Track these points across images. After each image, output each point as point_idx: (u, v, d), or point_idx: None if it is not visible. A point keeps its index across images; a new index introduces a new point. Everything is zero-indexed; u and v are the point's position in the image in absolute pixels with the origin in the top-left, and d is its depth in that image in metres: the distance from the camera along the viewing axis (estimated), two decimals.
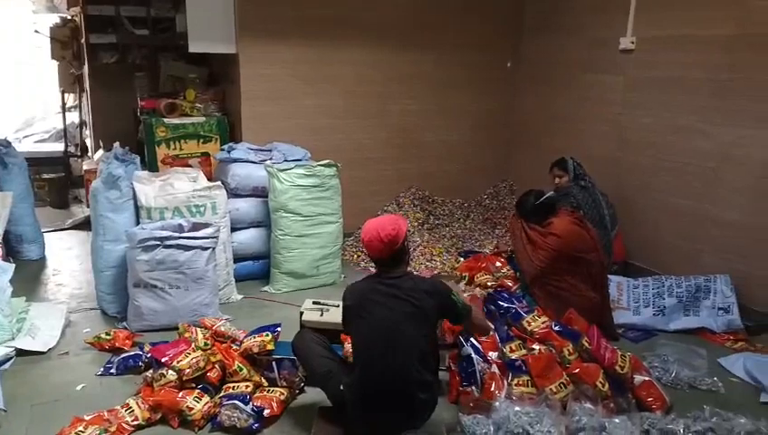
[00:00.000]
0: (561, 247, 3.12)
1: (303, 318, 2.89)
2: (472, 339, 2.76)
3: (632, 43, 4.04)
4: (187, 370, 2.56)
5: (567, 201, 3.87)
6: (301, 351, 2.50)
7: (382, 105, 4.71)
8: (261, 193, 3.86)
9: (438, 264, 4.22)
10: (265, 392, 2.57)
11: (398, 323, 2.18)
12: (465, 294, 3.29)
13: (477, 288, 3.38)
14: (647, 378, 2.66)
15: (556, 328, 2.70)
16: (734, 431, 2.35)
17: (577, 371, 2.53)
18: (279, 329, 2.75)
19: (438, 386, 2.43)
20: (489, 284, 3.43)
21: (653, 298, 3.42)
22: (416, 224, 4.63)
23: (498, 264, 3.52)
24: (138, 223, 3.40)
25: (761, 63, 3.29)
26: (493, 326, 2.65)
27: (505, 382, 2.53)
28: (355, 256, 4.40)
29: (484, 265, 3.66)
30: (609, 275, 3.61)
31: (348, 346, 2.63)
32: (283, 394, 2.57)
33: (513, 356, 2.61)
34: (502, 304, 2.87)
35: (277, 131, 4.30)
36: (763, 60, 3.28)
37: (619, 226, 3.98)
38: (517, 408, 2.17)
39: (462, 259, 3.72)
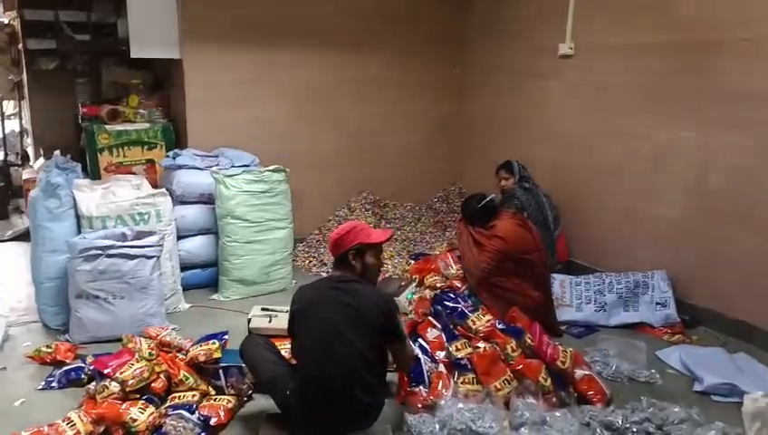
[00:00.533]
0: (505, 249, 3.20)
1: (251, 325, 2.87)
2: (420, 340, 2.82)
3: (570, 49, 4.19)
4: (131, 381, 2.51)
5: (512, 203, 3.99)
6: (248, 356, 2.49)
7: (332, 110, 4.72)
8: (208, 200, 3.81)
9: (390, 266, 4.25)
10: (212, 401, 2.55)
11: (339, 327, 2.19)
12: (416, 296, 3.36)
13: (427, 290, 3.43)
14: (587, 372, 2.75)
15: (500, 326, 2.77)
16: (669, 420, 2.45)
17: (520, 367, 2.60)
18: (226, 337, 2.73)
19: (385, 389, 2.45)
20: (438, 285, 3.49)
21: (594, 295, 3.54)
22: None
23: (450, 261, 3.59)
24: (79, 233, 3.31)
25: (689, 68, 3.46)
26: (412, 367, 2.57)
27: (452, 381, 2.58)
28: (307, 261, 4.39)
29: (433, 266, 3.73)
30: (553, 274, 3.74)
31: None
32: (230, 402, 2.55)
33: (459, 355, 2.66)
34: (448, 303, 2.93)
35: (225, 137, 4.26)
36: (691, 65, 3.45)
37: (561, 226, 4.11)
38: (460, 405, 2.22)
39: (412, 262, 3.77)
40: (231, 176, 3.70)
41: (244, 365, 2.57)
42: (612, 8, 3.89)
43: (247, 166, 3.89)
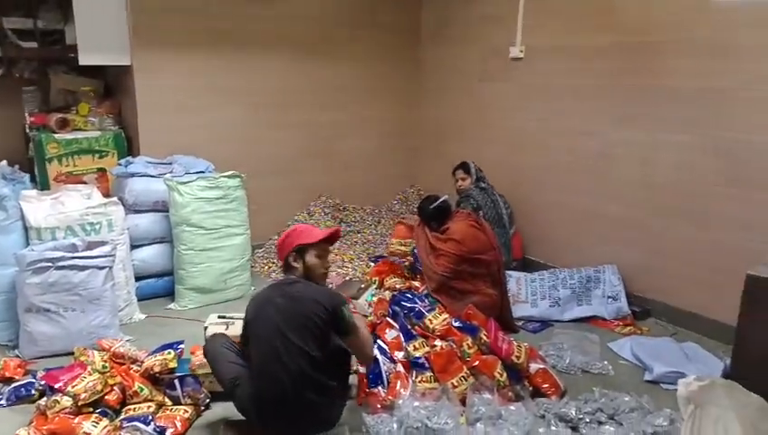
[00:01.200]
0: (461, 252, 3.25)
1: (208, 333, 2.84)
2: (379, 341, 2.84)
3: (521, 51, 4.28)
4: (84, 394, 2.46)
5: (468, 203, 4.05)
6: (210, 355, 2.48)
7: (289, 115, 4.71)
8: (162, 208, 3.75)
9: (350, 269, 4.26)
10: (168, 411, 2.51)
11: (283, 332, 2.19)
12: (376, 297, 3.37)
13: (387, 291, 3.46)
14: (542, 366, 2.82)
15: (456, 324, 2.81)
16: (620, 409, 2.53)
17: (476, 363, 2.65)
18: (182, 346, 2.70)
19: (344, 391, 2.45)
20: (398, 286, 3.53)
21: (549, 290, 3.63)
22: None
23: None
24: (27, 245, 3.22)
25: (634, 69, 3.58)
26: (373, 356, 2.56)
27: (410, 380, 2.61)
28: (266, 267, 4.36)
29: (394, 268, 3.76)
30: (509, 272, 3.81)
31: None
32: (187, 412, 2.52)
33: (417, 354, 2.69)
34: (405, 304, 2.95)
35: (179, 144, 4.20)
36: (636, 65, 3.57)
37: (516, 224, 4.20)
38: (416, 403, 2.24)
39: (372, 264, 3.80)
40: (185, 183, 3.65)
41: (200, 375, 2.54)
42: (560, 12, 4.00)
43: (202, 172, 3.85)
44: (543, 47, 4.14)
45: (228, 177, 3.77)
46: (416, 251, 3.55)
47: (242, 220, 3.83)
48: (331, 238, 2.50)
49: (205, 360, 2.50)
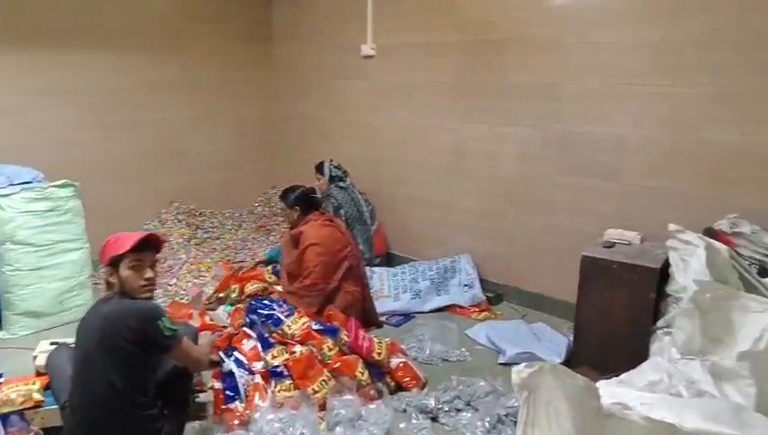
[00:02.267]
0: (323, 254, 3.17)
1: (37, 362, 2.53)
2: (235, 353, 2.70)
3: (372, 49, 4.31)
4: None
5: (329, 202, 4.02)
6: (51, 369, 2.28)
7: (134, 115, 4.37)
8: None
9: (209, 279, 4.04)
10: None
11: (93, 355, 1.99)
12: (235, 307, 3.21)
13: (249, 298, 3.32)
14: (403, 360, 2.85)
15: (315, 327, 2.75)
16: (476, 395, 2.62)
17: (337, 365, 2.61)
18: (1, 380, 2.37)
19: (179, 414, 2.24)
20: (260, 293, 3.40)
21: (410, 283, 3.69)
22: (181, 241, 4.38)
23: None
24: None
25: (480, 66, 3.74)
26: (208, 362, 2.38)
27: (269, 391, 2.51)
28: None
29: (254, 273, 3.62)
30: (372, 268, 3.83)
31: None
32: None
33: (276, 362, 2.60)
34: (262, 311, 2.84)
35: (1, 152, 3.72)
36: (481, 62, 3.73)
37: (378, 220, 4.23)
38: (270, 416, 2.15)
39: (223, 273, 3.63)
40: (7, 195, 3.23)
41: (27, 411, 2.25)
42: (408, 11, 4.08)
43: (28, 183, 3.43)
44: (394, 45, 4.20)
45: (59, 186, 3.39)
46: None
47: (78, 234, 3.46)
48: (148, 245, 2.17)
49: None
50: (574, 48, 3.33)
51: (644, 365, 2.27)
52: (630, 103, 3.15)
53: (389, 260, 4.27)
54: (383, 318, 3.51)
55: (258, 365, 2.62)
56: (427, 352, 3.09)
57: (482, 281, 3.78)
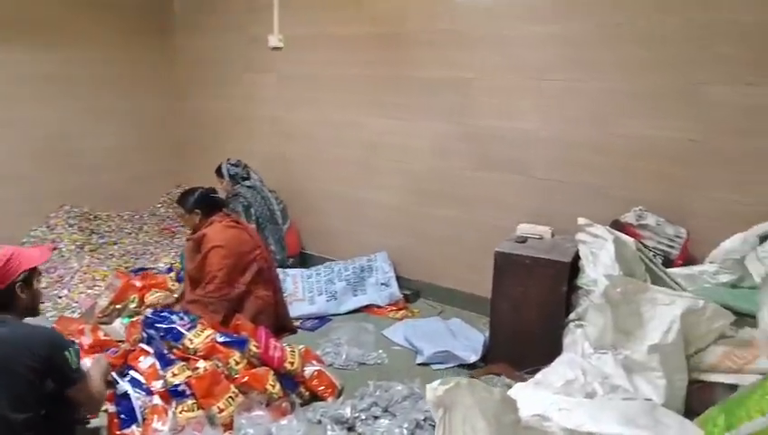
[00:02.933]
0: (228, 257, 2.95)
1: None
2: (131, 372, 2.46)
3: (280, 41, 4.12)
4: None
5: (237, 202, 3.80)
6: None
7: (13, 111, 3.93)
8: None
9: (104, 288, 3.70)
10: None
11: None
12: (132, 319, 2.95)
13: (148, 309, 3.06)
14: (318, 367, 2.71)
15: (221, 339, 2.55)
16: (394, 399, 2.52)
17: (245, 379, 2.43)
18: None
19: None
20: (161, 302, 3.16)
21: (325, 285, 3.55)
22: (73, 247, 4.00)
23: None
24: None
25: (392, 59, 3.63)
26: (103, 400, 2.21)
27: (170, 412, 2.29)
28: None
29: (156, 281, 3.36)
30: (285, 270, 3.66)
31: None
32: None
33: (177, 381, 2.38)
34: (160, 325, 2.60)
35: None
36: (393, 56, 3.62)
37: (291, 219, 4.05)
38: None
39: (118, 282, 3.33)
40: None
41: None
42: (314, 1, 3.90)
43: None
44: (303, 36, 4.03)
45: None
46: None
47: None
48: None
49: None
50: (484, 42, 3.30)
51: (559, 361, 2.26)
52: (541, 98, 3.16)
53: (304, 261, 4.11)
54: (298, 322, 3.35)
55: (157, 385, 2.39)
56: (344, 356, 2.97)
57: (399, 278, 3.71)
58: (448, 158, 3.54)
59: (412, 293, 3.71)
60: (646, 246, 2.71)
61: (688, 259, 2.73)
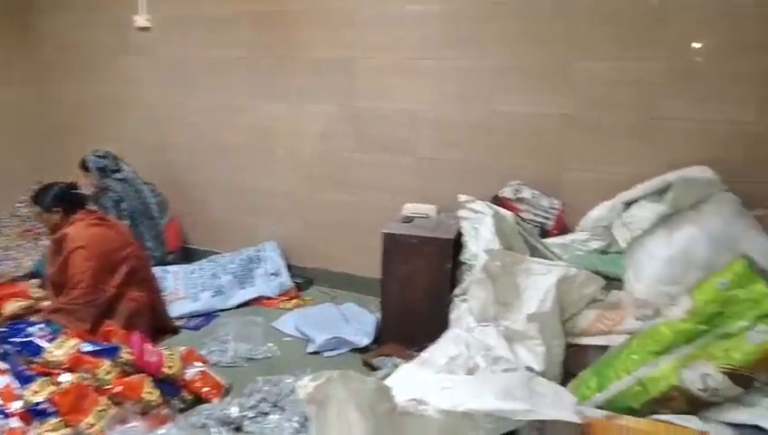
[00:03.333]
0: (92, 258, 2.68)
1: None
2: None
3: (147, 21, 3.82)
4: None
5: (106, 197, 3.52)
6: None
7: None
8: None
9: None
10: None
11: None
12: None
13: (8, 321, 2.74)
14: (201, 368, 2.56)
15: (87, 348, 2.32)
16: (283, 393, 2.43)
17: (118, 389, 2.24)
18: None
19: None
20: (21, 313, 2.84)
21: (210, 280, 3.38)
22: None
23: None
24: None
25: (275, 40, 3.47)
26: None
27: (31, 434, 2.07)
28: None
29: (14, 290, 3.03)
30: (165, 267, 3.44)
31: None
32: None
33: (38, 399, 2.14)
34: (16, 339, 2.34)
35: None
36: (276, 37, 3.46)
37: (171, 212, 3.81)
38: None
39: None
40: None
41: None
42: None
43: None
44: (177, 17, 3.76)
45: None
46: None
47: None
48: None
49: None
50: (366, 21, 3.23)
51: (445, 338, 2.28)
52: (422, 77, 3.16)
53: (188, 256, 3.87)
54: (181, 322, 3.15)
55: (15, 405, 2.14)
56: (231, 353, 2.82)
57: (291, 267, 3.60)
58: (336, 141, 3.46)
59: (305, 281, 3.62)
60: (523, 219, 2.79)
61: (563, 229, 2.84)
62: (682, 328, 1.68)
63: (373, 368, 2.66)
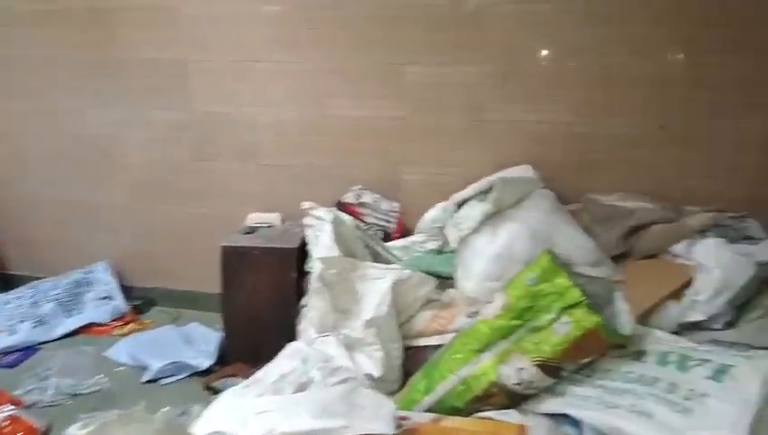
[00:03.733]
0: None
1: None
2: None
3: None
4: None
5: None
6: None
7: None
8: None
9: None
10: None
11: None
12: None
13: None
14: (12, 412, 2.26)
15: None
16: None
17: None
18: None
19: None
20: None
21: (30, 310, 3.02)
22: None
23: None
24: None
25: (101, 39, 3.14)
26: None
27: None
28: None
29: None
30: None
31: None
32: None
33: None
34: None
35: None
36: (100, 35, 3.13)
37: None
38: None
39: None
40: None
41: None
42: None
43: None
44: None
45: None
46: None
47: None
48: None
49: None
50: (193, 21, 3.03)
51: (282, 353, 2.19)
52: (256, 81, 3.03)
53: (6, 283, 3.43)
54: None
55: None
56: (51, 391, 2.53)
57: (129, 288, 3.32)
58: (172, 148, 3.22)
59: (144, 302, 3.34)
60: (367, 224, 2.79)
61: (405, 231, 2.87)
62: (498, 325, 1.73)
63: (216, 391, 2.51)
